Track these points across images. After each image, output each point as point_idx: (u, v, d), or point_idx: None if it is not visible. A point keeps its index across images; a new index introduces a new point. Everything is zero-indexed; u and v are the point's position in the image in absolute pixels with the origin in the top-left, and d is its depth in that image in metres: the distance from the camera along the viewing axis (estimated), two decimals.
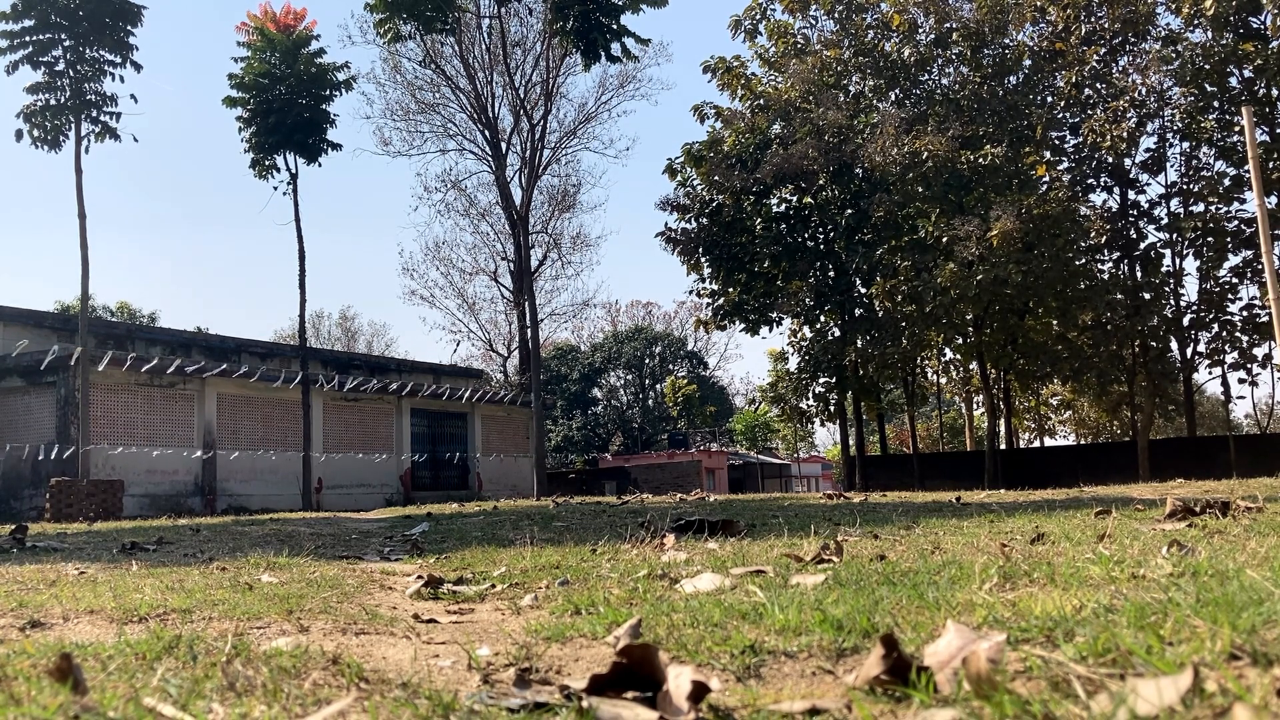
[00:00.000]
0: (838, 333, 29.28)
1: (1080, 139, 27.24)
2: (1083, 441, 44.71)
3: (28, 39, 18.57)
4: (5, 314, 23.66)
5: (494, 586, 3.01)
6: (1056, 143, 28.52)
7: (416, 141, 53.18)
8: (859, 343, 28.21)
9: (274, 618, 2.32)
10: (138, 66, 19.27)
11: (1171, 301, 27.72)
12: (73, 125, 18.96)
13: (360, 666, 1.68)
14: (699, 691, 1.36)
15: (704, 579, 2.60)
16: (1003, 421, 31.76)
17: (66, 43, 18.64)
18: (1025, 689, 1.31)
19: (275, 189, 22.99)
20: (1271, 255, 9.36)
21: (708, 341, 63.34)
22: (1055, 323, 27.20)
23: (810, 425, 38.36)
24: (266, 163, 22.78)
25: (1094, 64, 26.84)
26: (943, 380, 38.27)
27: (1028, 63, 27.76)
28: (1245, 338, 27.18)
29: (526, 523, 6.19)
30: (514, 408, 33.67)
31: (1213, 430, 42.29)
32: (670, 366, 61.98)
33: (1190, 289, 40.02)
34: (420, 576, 3.17)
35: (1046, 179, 26.20)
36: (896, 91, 29.54)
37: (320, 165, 23.16)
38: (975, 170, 25.24)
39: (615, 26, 20.66)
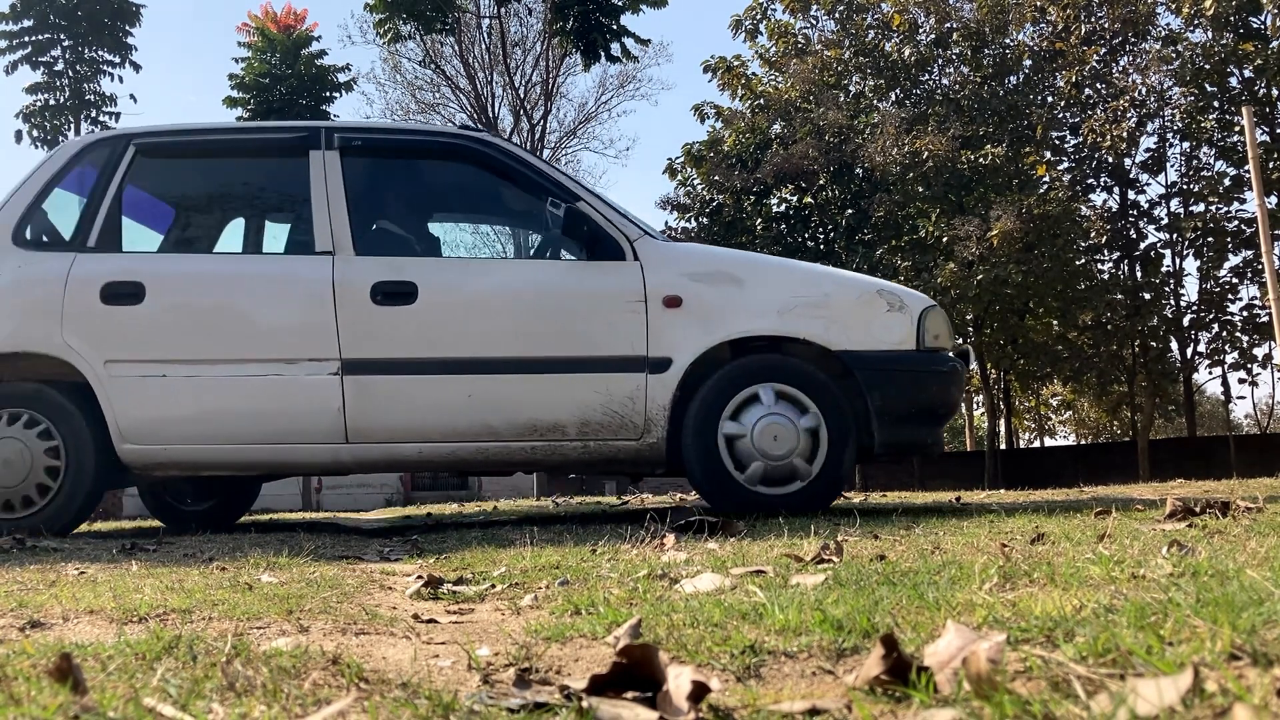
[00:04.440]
0: None
1: (1080, 139, 27.24)
2: (1083, 441, 44.72)
3: (27, 39, 18.59)
4: None
5: (494, 586, 3.01)
6: (1056, 143, 28.52)
7: None
8: None
9: (274, 618, 2.32)
10: (136, 67, 19.28)
11: (1171, 301, 27.73)
12: (72, 126, 18.97)
13: (360, 666, 1.68)
14: (699, 691, 1.36)
15: (704, 579, 2.59)
16: (1003, 421, 31.77)
17: (65, 43, 18.66)
18: (1025, 689, 1.31)
19: None
20: (1271, 255, 9.35)
21: None
22: (1055, 323, 27.21)
23: None
24: None
25: (1094, 64, 26.85)
26: None
27: (1028, 63, 27.77)
28: (1245, 338, 27.19)
29: (526, 523, 6.19)
30: None
31: (1213, 430, 42.29)
32: None
33: (1190, 289, 39.93)
34: (420, 576, 3.17)
35: (1046, 179, 26.21)
36: (897, 91, 29.56)
37: None
38: (975, 170, 25.25)
39: (615, 27, 20.64)
